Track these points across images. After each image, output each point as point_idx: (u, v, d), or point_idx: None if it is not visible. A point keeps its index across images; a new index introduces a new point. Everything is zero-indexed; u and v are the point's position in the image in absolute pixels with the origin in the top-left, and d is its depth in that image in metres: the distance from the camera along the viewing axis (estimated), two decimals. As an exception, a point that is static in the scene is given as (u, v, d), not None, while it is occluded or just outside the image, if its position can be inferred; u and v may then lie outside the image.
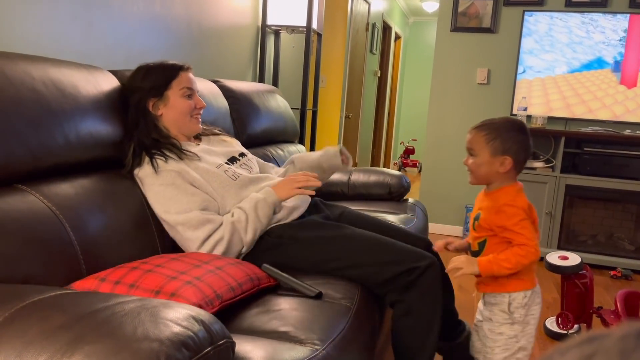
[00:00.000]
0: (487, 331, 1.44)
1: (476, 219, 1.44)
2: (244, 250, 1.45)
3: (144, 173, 1.43)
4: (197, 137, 1.67)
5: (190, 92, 1.56)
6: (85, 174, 1.31)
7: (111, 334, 0.73)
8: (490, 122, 1.40)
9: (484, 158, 1.39)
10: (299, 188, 1.51)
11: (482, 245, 1.44)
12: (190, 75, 1.58)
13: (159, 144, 1.48)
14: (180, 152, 1.49)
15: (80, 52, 1.70)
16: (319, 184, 1.53)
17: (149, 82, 1.50)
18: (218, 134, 1.76)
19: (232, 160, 1.64)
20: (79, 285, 1.09)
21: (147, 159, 1.44)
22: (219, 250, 1.40)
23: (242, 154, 1.71)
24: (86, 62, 1.60)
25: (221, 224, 1.43)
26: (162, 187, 1.41)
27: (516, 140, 1.38)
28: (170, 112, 1.53)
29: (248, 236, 1.44)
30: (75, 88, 1.28)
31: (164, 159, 1.44)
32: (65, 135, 1.22)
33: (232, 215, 1.46)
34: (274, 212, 1.52)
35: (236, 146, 1.75)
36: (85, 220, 1.20)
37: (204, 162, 1.52)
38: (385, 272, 1.39)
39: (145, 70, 1.52)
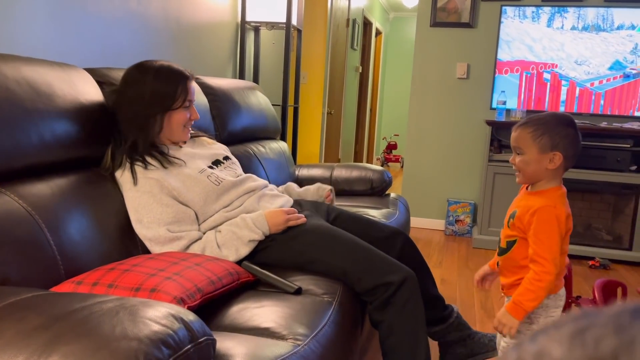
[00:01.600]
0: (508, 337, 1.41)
1: (512, 216, 1.39)
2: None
3: (124, 178, 1.42)
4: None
5: (189, 104, 1.54)
6: (62, 174, 1.29)
7: (89, 334, 0.72)
8: (537, 118, 1.35)
9: (532, 155, 1.33)
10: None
11: (511, 244, 1.40)
12: (194, 85, 1.57)
13: (143, 149, 1.46)
14: (164, 159, 1.47)
15: (54, 50, 1.67)
16: (304, 221, 1.54)
17: (156, 96, 1.46)
18: (202, 136, 1.76)
19: (216, 163, 1.64)
20: (56, 291, 1.08)
21: (127, 164, 1.43)
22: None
23: (226, 157, 1.71)
24: (61, 60, 1.58)
25: (192, 241, 1.41)
26: (138, 193, 1.39)
27: (565, 134, 1.31)
28: (167, 125, 1.51)
29: (223, 252, 1.42)
30: (49, 87, 1.27)
31: (143, 166, 1.43)
32: (40, 134, 1.20)
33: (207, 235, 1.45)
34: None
35: (220, 149, 1.75)
36: (63, 220, 1.19)
37: (188, 168, 1.51)
38: (365, 282, 1.39)
39: (155, 71, 1.48)
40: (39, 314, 0.77)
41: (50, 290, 1.07)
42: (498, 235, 3.52)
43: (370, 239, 1.59)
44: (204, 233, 1.46)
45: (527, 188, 1.43)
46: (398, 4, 7.35)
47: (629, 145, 3.28)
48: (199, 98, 2.05)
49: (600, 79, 3.44)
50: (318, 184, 1.93)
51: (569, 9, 3.42)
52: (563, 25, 3.44)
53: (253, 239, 1.44)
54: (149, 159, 1.45)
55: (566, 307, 2.20)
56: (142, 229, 1.37)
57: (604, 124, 3.38)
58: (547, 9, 3.45)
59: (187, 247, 1.39)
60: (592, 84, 3.46)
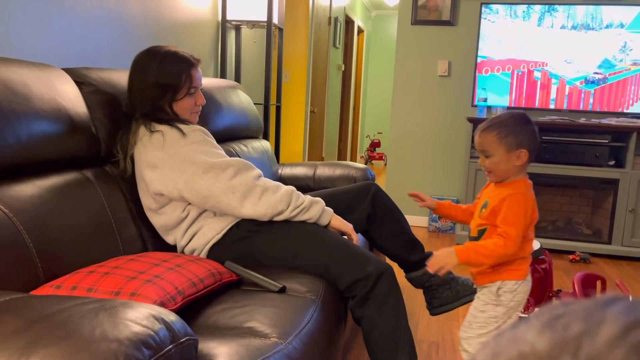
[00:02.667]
0: (472, 308, 1.49)
1: (484, 206, 1.46)
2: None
3: (170, 136, 1.47)
4: None
5: (194, 91, 1.59)
6: (41, 176, 1.27)
7: (68, 336, 0.71)
8: (498, 121, 1.45)
9: (501, 156, 1.42)
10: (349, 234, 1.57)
11: (481, 232, 1.46)
12: (199, 72, 1.61)
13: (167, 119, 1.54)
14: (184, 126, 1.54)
15: (31, 50, 1.65)
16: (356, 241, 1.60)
17: (160, 86, 1.52)
18: None
19: None
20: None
21: (160, 126, 1.49)
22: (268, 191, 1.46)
23: None
24: (38, 60, 1.56)
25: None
26: (194, 144, 1.46)
27: (526, 132, 1.42)
28: (175, 107, 1.57)
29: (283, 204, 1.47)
30: (26, 87, 1.25)
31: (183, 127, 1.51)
32: (16, 135, 1.18)
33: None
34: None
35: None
36: (41, 222, 1.17)
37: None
38: (345, 277, 1.40)
39: (162, 57, 1.54)
40: (16, 316, 0.76)
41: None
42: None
43: (345, 198, 1.72)
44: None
45: (495, 183, 1.51)
46: (380, 2, 7.37)
47: (607, 141, 3.34)
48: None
49: (590, 77, 3.48)
50: None
51: (558, 7, 3.45)
52: (553, 24, 3.48)
53: (310, 214, 1.51)
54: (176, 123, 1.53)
55: (547, 301, 2.23)
56: (219, 160, 1.45)
57: (582, 120, 3.43)
58: (536, 8, 3.48)
59: (259, 176, 1.50)
60: (581, 82, 3.50)
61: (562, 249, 3.41)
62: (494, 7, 3.52)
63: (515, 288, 1.43)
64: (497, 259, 1.38)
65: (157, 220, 1.51)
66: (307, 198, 1.52)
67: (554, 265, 2.40)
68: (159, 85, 1.52)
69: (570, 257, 3.32)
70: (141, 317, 0.79)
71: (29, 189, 1.21)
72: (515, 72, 3.57)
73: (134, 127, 1.51)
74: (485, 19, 3.54)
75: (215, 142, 1.53)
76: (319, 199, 1.55)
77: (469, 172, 3.53)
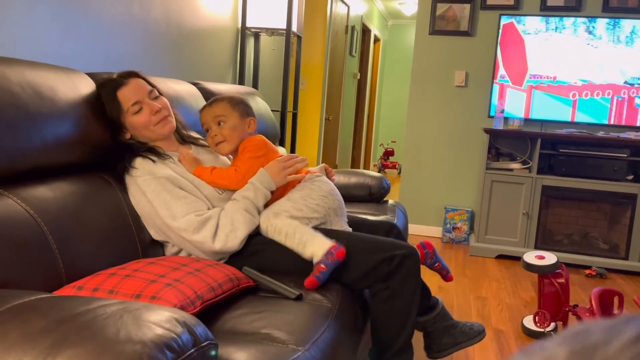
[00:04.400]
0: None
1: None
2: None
3: (133, 186, 1.44)
4: (186, 143, 1.66)
5: (140, 105, 1.47)
6: (64, 177, 1.29)
7: (93, 337, 0.72)
8: (222, 96, 1.65)
9: (235, 121, 1.60)
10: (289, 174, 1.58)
11: None
12: (131, 86, 1.47)
13: (136, 150, 1.49)
14: (163, 155, 1.49)
15: (58, 55, 1.68)
16: (305, 163, 1.64)
17: (108, 115, 1.46)
18: (204, 145, 1.75)
19: None
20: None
21: (138, 162, 1.45)
22: (231, 237, 1.43)
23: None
24: (64, 65, 1.59)
25: (218, 216, 1.45)
26: (153, 193, 1.41)
27: (250, 104, 1.67)
28: (134, 132, 1.50)
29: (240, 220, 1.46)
30: (52, 91, 1.27)
31: (150, 161, 1.46)
32: (42, 138, 1.21)
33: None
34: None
35: (225, 157, 1.76)
36: (64, 223, 1.19)
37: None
38: (364, 263, 1.41)
39: (97, 103, 1.45)
40: (43, 316, 0.77)
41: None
42: (495, 243, 3.53)
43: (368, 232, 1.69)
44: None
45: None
46: (397, 12, 7.39)
47: (625, 155, 3.31)
48: (199, 103, 2.05)
49: (609, 91, 3.45)
50: (322, 165, 1.93)
51: (578, 19, 3.41)
52: (557, 30, 3.46)
53: (264, 203, 1.52)
54: (148, 155, 1.47)
55: (563, 316, 2.21)
56: (174, 222, 1.41)
57: (600, 134, 3.40)
58: (553, 20, 3.46)
59: (217, 224, 1.43)
60: (598, 95, 3.46)
61: (578, 264, 3.37)
62: (527, 19, 3.52)
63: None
64: (218, 183, 1.53)
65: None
66: (241, 203, 1.49)
67: (570, 280, 2.37)
68: (110, 122, 1.46)
69: (586, 271, 3.28)
70: (164, 320, 0.80)
71: (53, 190, 1.22)
72: (540, 84, 3.54)
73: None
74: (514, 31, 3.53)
75: (179, 188, 1.44)
76: (246, 193, 1.52)
77: (484, 184, 3.51)
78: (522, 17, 3.50)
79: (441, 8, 3.80)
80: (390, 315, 1.41)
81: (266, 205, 1.55)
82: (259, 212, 1.51)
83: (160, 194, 1.41)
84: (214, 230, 1.41)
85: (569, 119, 3.49)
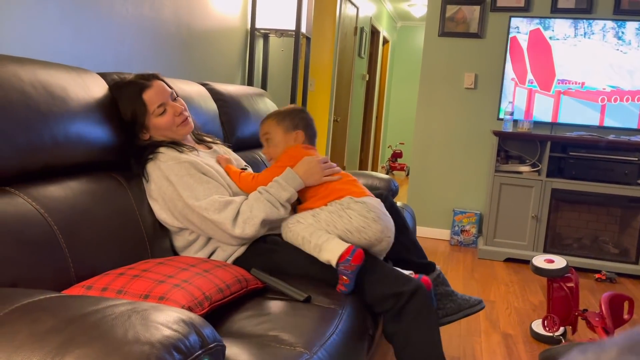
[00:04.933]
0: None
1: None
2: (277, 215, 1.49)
3: (156, 174, 1.46)
4: (201, 143, 1.69)
5: (164, 107, 1.51)
6: (74, 177, 1.30)
7: (102, 337, 0.72)
8: (275, 112, 1.68)
9: (280, 137, 1.62)
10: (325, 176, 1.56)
11: None
12: (155, 88, 1.51)
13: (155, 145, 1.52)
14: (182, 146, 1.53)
15: (69, 55, 1.69)
16: (339, 171, 1.61)
17: (124, 115, 1.48)
18: (217, 142, 1.77)
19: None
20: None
21: (149, 163, 1.48)
22: (250, 224, 1.44)
23: (244, 168, 1.75)
24: (75, 65, 1.60)
25: (240, 203, 1.47)
26: (177, 177, 1.44)
27: (300, 118, 1.65)
28: (155, 132, 1.54)
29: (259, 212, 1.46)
30: (64, 90, 1.28)
31: (174, 150, 1.49)
32: (54, 137, 1.21)
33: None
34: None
35: (239, 159, 1.79)
36: (74, 223, 1.19)
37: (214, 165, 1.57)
38: (371, 291, 1.39)
39: (117, 97, 1.48)
40: (52, 316, 0.77)
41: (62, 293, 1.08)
42: (504, 246, 3.53)
43: None
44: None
45: None
46: (406, 13, 7.37)
47: (636, 159, 3.28)
48: (208, 104, 2.06)
49: (627, 96, 3.41)
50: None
51: (592, 22, 3.39)
52: (586, 36, 3.43)
53: (288, 199, 1.50)
54: (173, 146, 1.51)
55: (572, 320, 2.19)
56: (196, 202, 1.42)
57: (611, 137, 3.37)
58: (582, 25, 3.43)
59: (238, 210, 1.44)
60: (627, 100, 3.43)
61: (587, 268, 3.34)
62: (552, 21, 3.49)
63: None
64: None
65: (174, 241, 1.53)
66: (270, 191, 1.50)
67: (579, 284, 2.35)
68: (127, 123, 1.48)
69: (596, 276, 3.25)
70: (172, 321, 0.79)
71: (63, 189, 1.23)
72: (555, 88, 3.52)
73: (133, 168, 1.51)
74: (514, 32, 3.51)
75: (201, 173, 1.47)
76: (276, 182, 1.52)
77: (493, 187, 3.49)
78: (550, 23, 3.47)
79: (451, 10, 3.78)
80: (414, 351, 1.36)
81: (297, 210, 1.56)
82: (283, 207, 1.49)
83: (183, 177, 1.43)
84: (235, 215, 1.43)
85: (597, 124, 3.46)
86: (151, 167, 1.47)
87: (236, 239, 1.44)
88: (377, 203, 1.53)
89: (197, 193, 1.43)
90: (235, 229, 1.42)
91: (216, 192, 1.45)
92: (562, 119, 3.51)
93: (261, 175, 1.56)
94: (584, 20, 3.39)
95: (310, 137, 1.65)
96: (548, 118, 3.52)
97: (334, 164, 1.63)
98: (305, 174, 1.53)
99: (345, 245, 1.36)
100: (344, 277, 1.35)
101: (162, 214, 1.47)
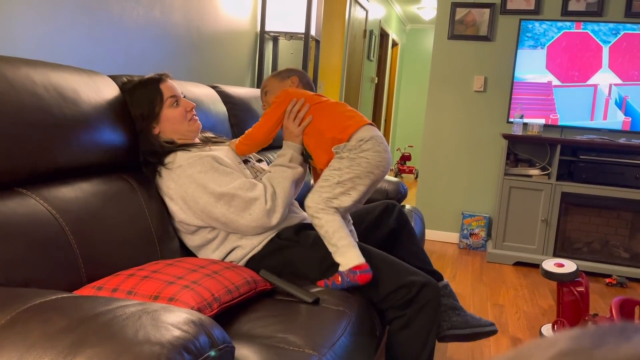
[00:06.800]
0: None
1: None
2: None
3: (177, 169, 1.48)
4: (207, 142, 1.69)
5: (175, 99, 1.55)
6: (86, 178, 1.31)
7: (113, 337, 0.73)
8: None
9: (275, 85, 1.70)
10: (298, 125, 1.59)
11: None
12: (170, 82, 1.57)
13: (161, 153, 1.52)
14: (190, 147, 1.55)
15: (80, 57, 1.70)
16: (304, 110, 1.59)
17: (137, 108, 1.50)
18: (224, 141, 1.78)
19: (244, 162, 1.67)
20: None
21: (168, 157, 1.51)
22: (277, 202, 1.48)
23: (258, 160, 1.79)
24: (86, 67, 1.61)
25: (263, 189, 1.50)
26: (201, 174, 1.45)
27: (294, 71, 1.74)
28: (166, 126, 1.54)
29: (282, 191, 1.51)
30: (75, 92, 1.29)
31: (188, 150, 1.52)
32: (65, 139, 1.22)
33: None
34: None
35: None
36: (85, 224, 1.20)
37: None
38: (384, 284, 1.39)
39: (129, 94, 1.51)
40: (64, 316, 0.78)
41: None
42: (513, 250, 3.51)
43: (368, 220, 1.78)
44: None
45: None
46: (415, 16, 7.37)
47: (648, 162, 3.25)
48: (218, 106, 2.07)
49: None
50: None
51: (603, 24, 3.37)
52: (599, 38, 3.41)
53: (290, 158, 1.58)
54: (184, 148, 1.54)
55: (583, 325, 2.17)
56: (223, 188, 1.44)
57: (622, 140, 3.35)
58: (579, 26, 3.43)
59: (264, 188, 1.49)
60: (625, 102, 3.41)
61: (597, 272, 3.32)
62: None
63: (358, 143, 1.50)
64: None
65: (188, 240, 1.53)
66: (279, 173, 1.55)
67: (590, 289, 2.33)
68: (139, 115, 1.50)
69: (607, 280, 3.22)
70: (182, 322, 0.80)
71: (74, 191, 1.24)
72: (571, 89, 3.50)
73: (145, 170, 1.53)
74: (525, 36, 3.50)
75: (224, 166, 1.49)
76: (280, 167, 1.57)
77: (502, 190, 3.47)
78: (602, 25, 3.46)
79: (460, 13, 3.77)
80: (405, 344, 1.38)
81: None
82: (291, 167, 1.57)
83: (207, 172, 1.45)
84: (264, 191, 1.48)
85: (621, 128, 3.43)
86: (166, 176, 1.48)
87: (269, 212, 1.46)
88: (375, 129, 1.56)
89: (222, 182, 1.46)
90: (267, 204, 1.46)
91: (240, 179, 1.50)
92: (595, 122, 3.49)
93: (258, 123, 1.62)
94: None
95: (305, 83, 1.73)
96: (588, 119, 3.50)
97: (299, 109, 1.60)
98: (290, 136, 1.59)
99: (362, 260, 1.37)
100: (339, 281, 1.37)
101: (181, 214, 1.47)
